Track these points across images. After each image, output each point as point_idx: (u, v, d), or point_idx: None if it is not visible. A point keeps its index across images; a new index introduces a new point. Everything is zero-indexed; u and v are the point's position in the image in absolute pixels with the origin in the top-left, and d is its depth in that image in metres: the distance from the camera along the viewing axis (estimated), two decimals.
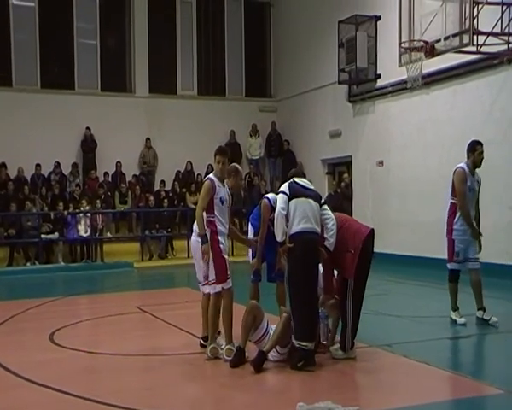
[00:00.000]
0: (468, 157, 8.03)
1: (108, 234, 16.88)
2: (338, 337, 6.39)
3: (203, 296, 6.74)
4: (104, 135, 17.80)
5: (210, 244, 6.19)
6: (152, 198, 17.37)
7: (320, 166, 18.09)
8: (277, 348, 6.12)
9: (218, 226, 6.31)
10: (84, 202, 16.32)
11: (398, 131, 15.00)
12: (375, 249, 6.40)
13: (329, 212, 6.24)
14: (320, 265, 6.27)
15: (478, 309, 7.89)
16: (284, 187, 6.28)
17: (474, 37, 10.82)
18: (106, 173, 17.81)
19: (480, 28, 10.88)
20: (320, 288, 6.38)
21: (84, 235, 16.10)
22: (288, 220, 6.07)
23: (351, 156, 16.82)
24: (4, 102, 17.06)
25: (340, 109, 17.08)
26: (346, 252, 6.12)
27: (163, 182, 18.13)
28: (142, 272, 15.42)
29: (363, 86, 16.29)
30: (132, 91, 18.99)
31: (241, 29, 20.42)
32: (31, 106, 17.24)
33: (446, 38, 11.06)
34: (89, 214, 16.20)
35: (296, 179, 6.35)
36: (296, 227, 6.04)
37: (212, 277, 6.28)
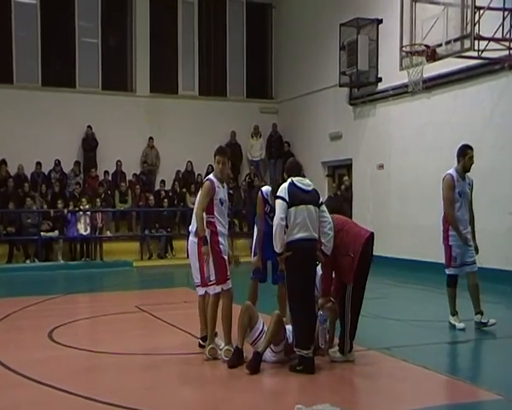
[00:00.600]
0: (459, 162, 8.06)
1: (108, 233, 16.88)
2: (337, 340, 6.40)
3: (199, 297, 6.75)
4: (105, 134, 17.80)
5: (210, 245, 6.18)
6: (152, 198, 17.38)
7: (320, 169, 18.09)
8: (272, 346, 6.14)
9: (218, 227, 6.31)
10: (84, 200, 16.32)
11: (399, 134, 15.01)
12: (375, 252, 6.40)
13: (327, 215, 6.15)
14: (319, 267, 6.27)
15: (476, 313, 7.90)
16: (283, 191, 6.05)
17: (476, 42, 10.85)
18: (106, 172, 17.82)
19: (481, 33, 10.90)
20: (317, 290, 6.37)
21: (84, 233, 16.10)
22: (286, 226, 5.97)
23: (351, 159, 16.83)
24: (5, 99, 17.07)
25: (341, 112, 17.09)
26: (345, 255, 6.11)
27: (163, 182, 18.14)
28: (142, 272, 15.44)
29: (363, 89, 16.30)
30: (133, 91, 18.98)
31: (243, 30, 20.41)
32: (32, 103, 17.24)
33: (448, 43, 11.07)
34: (89, 213, 16.20)
35: (295, 181, 6.14)
36: (295, 236, 5.97)
37: (212, 278, 6.27)
